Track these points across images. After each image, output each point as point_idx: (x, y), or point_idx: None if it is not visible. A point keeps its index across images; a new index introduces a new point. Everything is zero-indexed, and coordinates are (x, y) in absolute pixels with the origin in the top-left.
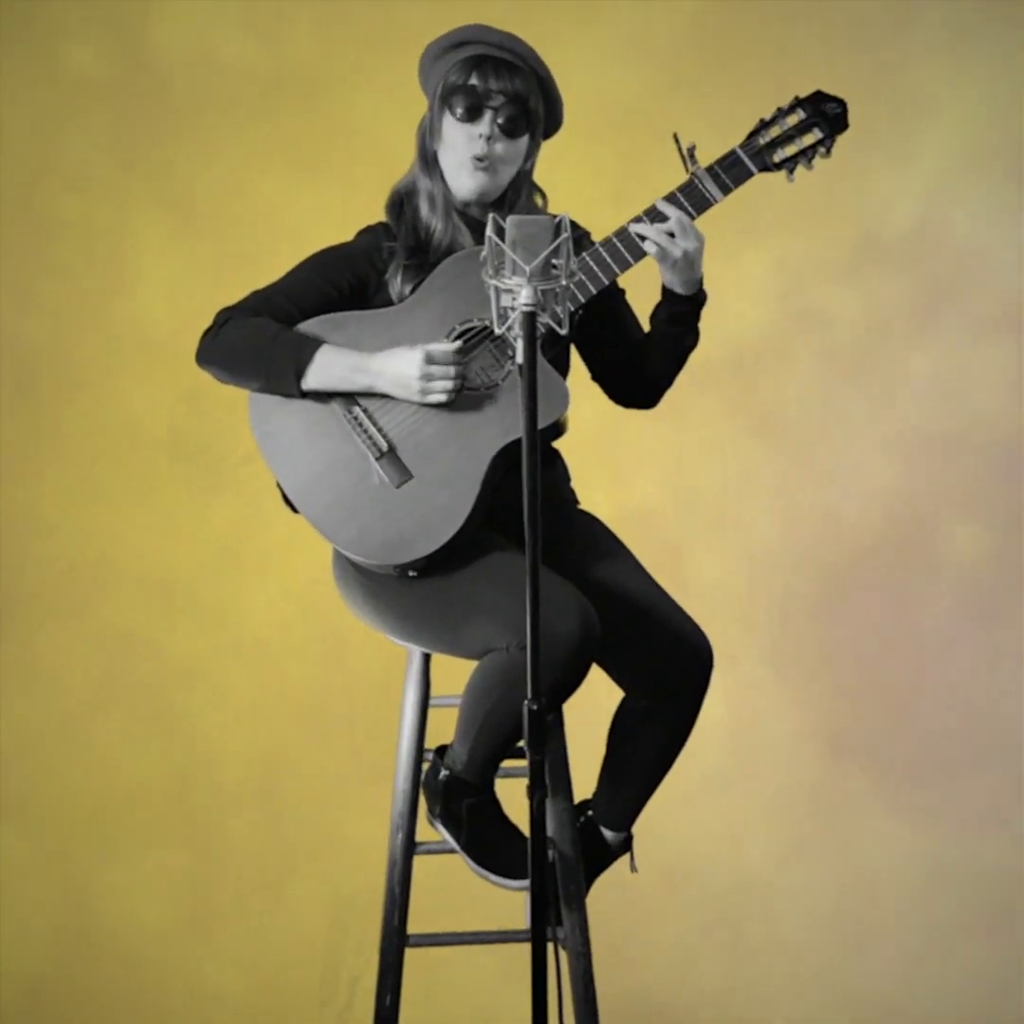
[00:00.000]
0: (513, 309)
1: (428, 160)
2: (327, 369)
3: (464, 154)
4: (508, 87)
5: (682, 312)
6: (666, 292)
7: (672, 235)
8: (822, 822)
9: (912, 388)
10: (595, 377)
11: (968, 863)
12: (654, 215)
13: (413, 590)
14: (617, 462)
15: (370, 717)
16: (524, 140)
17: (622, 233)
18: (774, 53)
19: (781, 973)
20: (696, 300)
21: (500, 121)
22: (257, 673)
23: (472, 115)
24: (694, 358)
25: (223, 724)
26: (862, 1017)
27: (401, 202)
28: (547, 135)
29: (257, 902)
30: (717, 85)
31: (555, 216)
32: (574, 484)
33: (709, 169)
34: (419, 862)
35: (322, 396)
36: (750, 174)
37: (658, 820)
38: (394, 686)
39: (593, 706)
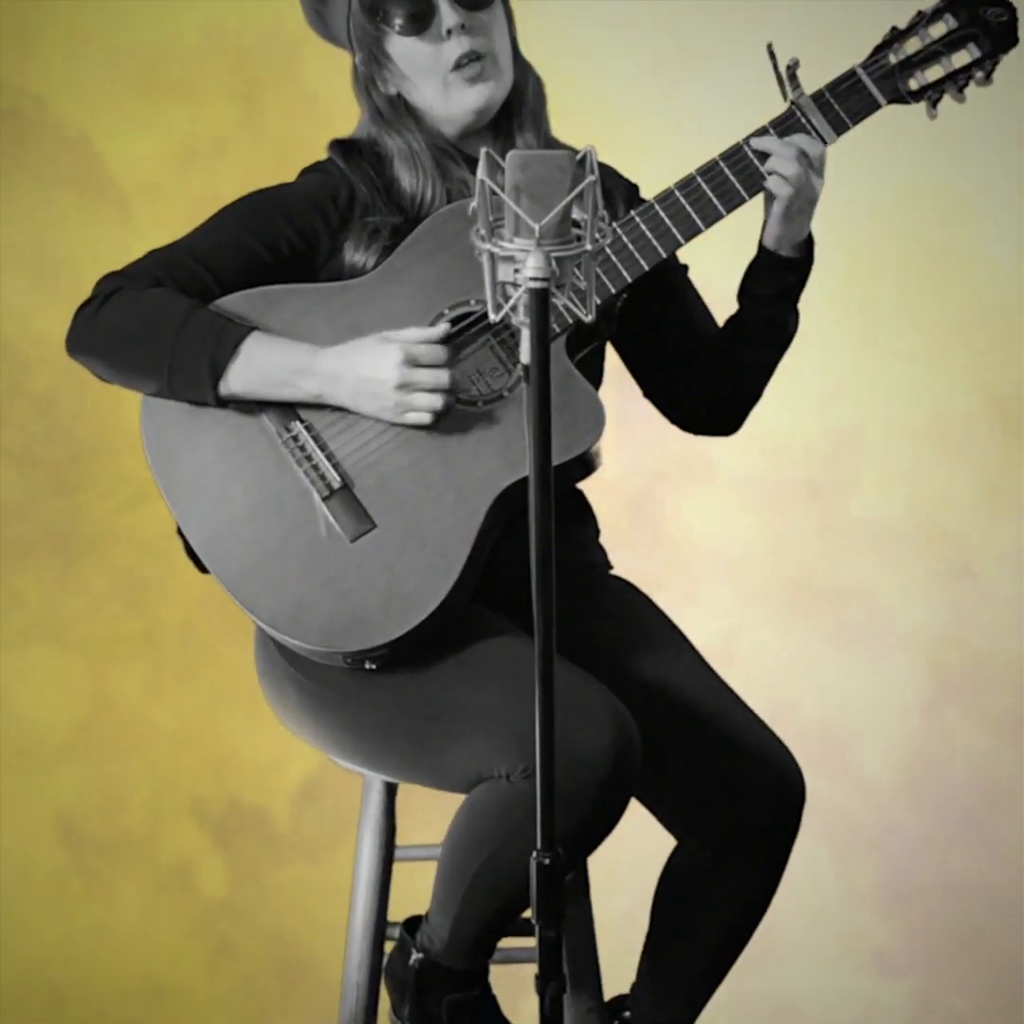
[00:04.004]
0: (516, 285)
1: (388, 113)
2: (257, 367)
3: (440, 71)
4: None
5: (791, 284)
6: (769, 257)
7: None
8: None
9: None
10: (650, 393)
11: None
12: (736, 162)
13: (371, 692)
14: None
15: None
16: (497, 2)
17: (689, 184)
18: None
19: None
20: (805, 265)
21: None
22: (200, 585)
23: (422, 18)
24: None
25: (181, 612)
26: None
27: (353, 147)
28: None
29: (185, 689)
30: None
31: (576, 151)
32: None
33: (817, 97)
34: None
35: (249, 405)
36: (875, 106)
37: None
38: None
39: (630, 858)
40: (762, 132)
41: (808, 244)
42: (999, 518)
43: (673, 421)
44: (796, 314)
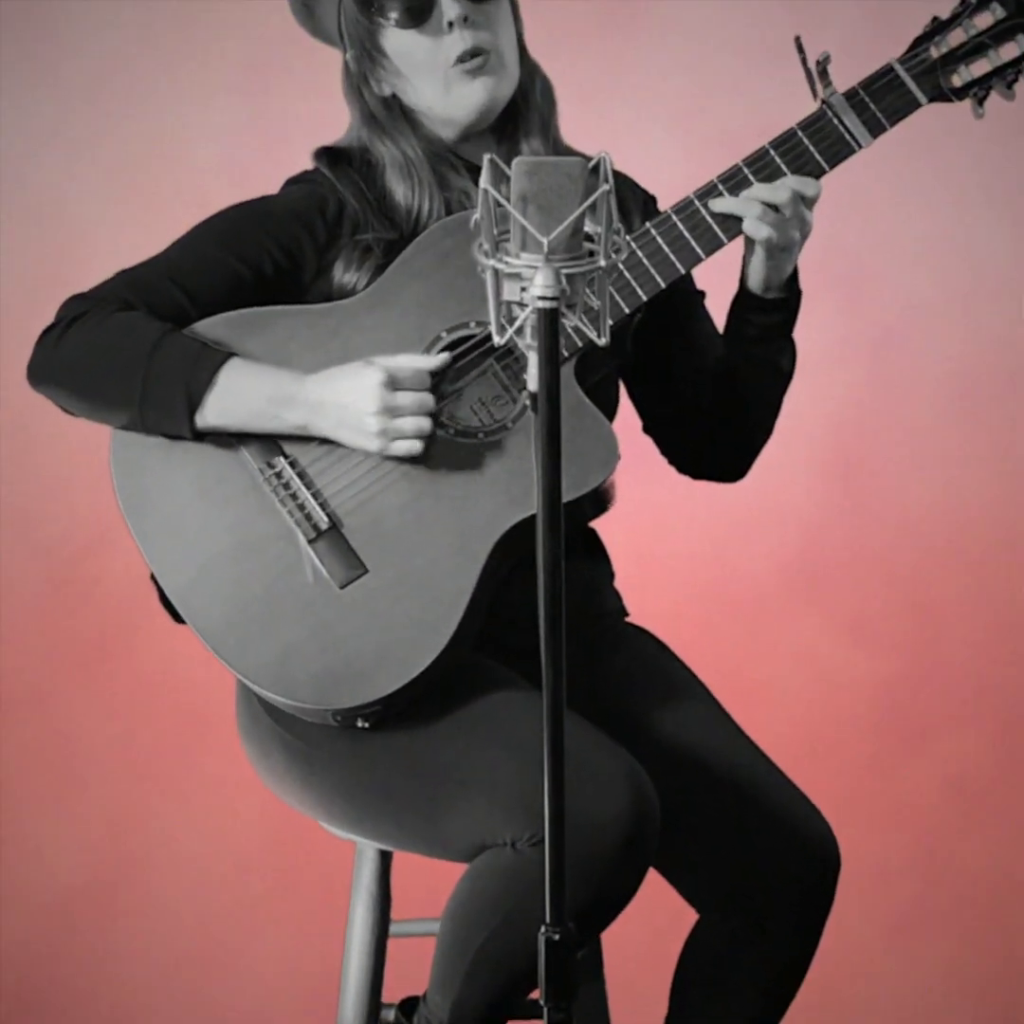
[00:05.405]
0: (523, 304)
1: (382, 116)
2: (237, 397)
3: (440, 67)
4: None
5: (774, 324)
6: (751, 298)
7: (776, 209)
8: None
9: None
10: (650, 428)
11: None
12: (762, 167)
13: (364, 752)
14: None
15: None
16: None
17: (710, 193)
18: None
19: None
20: (790, 304)
21: None
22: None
23: (421, 10)
24: None
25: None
26: None
27: (341, 156)
28: None
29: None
30: None
31: (589, 158)
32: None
33: (851, 95)
34: None
35: (228, 439)
36: (915, 104)
37: None
38: None
39: (647, 932)
40: (786, 140)
41: (793, 280)
42: None
43: (672, 461)
44: (791, 347)
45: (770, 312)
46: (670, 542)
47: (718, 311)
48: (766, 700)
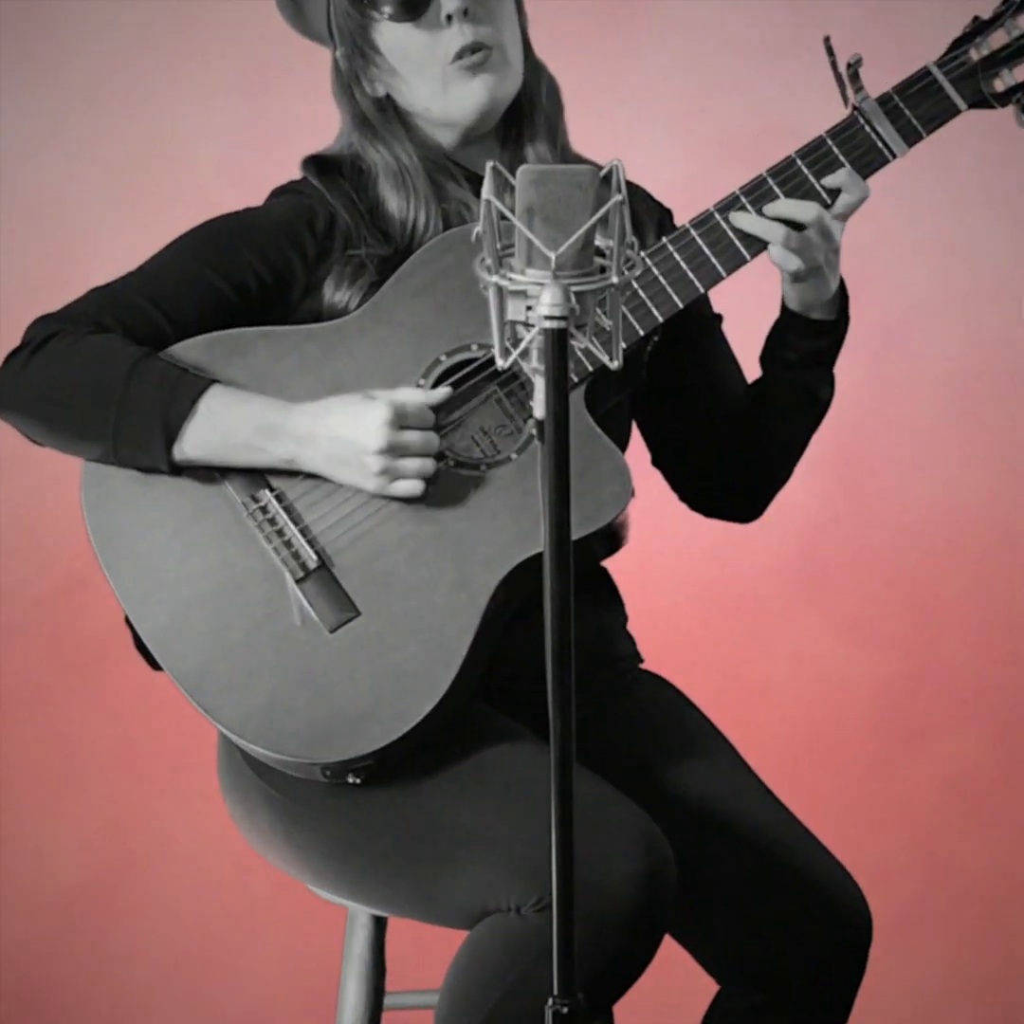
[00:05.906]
0: (529, 324)
1: (375, 118)
2: (218, 427)
3: (438, 64)
4: None
5: (819, 349)
6: (794, 320)
7: (800, 228)
8: None
9: None
10: (660, 462)
11: None
12: (787, 178)
13: (355, 810)
14: None
15: None
16: None
17: (731, 207)
18: None
19: None
20: (839, 328)
21: None
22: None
23: (417, 2)
24: None
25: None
26: None
27: (331, 165)
28: None
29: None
30: None
31: (600, 166)
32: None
33: (885, 101)
34: None
35: (210, 471)
36: (953, 110)
37: None
38: None
39: (661, 1005)
40: (814, 149)
41: (841, 300)
42: None
43: (684, 498)
44: (831, 380)
45: (813, 336)
46: (670, 542)
47: (736, 336)
48: (766, 700)
